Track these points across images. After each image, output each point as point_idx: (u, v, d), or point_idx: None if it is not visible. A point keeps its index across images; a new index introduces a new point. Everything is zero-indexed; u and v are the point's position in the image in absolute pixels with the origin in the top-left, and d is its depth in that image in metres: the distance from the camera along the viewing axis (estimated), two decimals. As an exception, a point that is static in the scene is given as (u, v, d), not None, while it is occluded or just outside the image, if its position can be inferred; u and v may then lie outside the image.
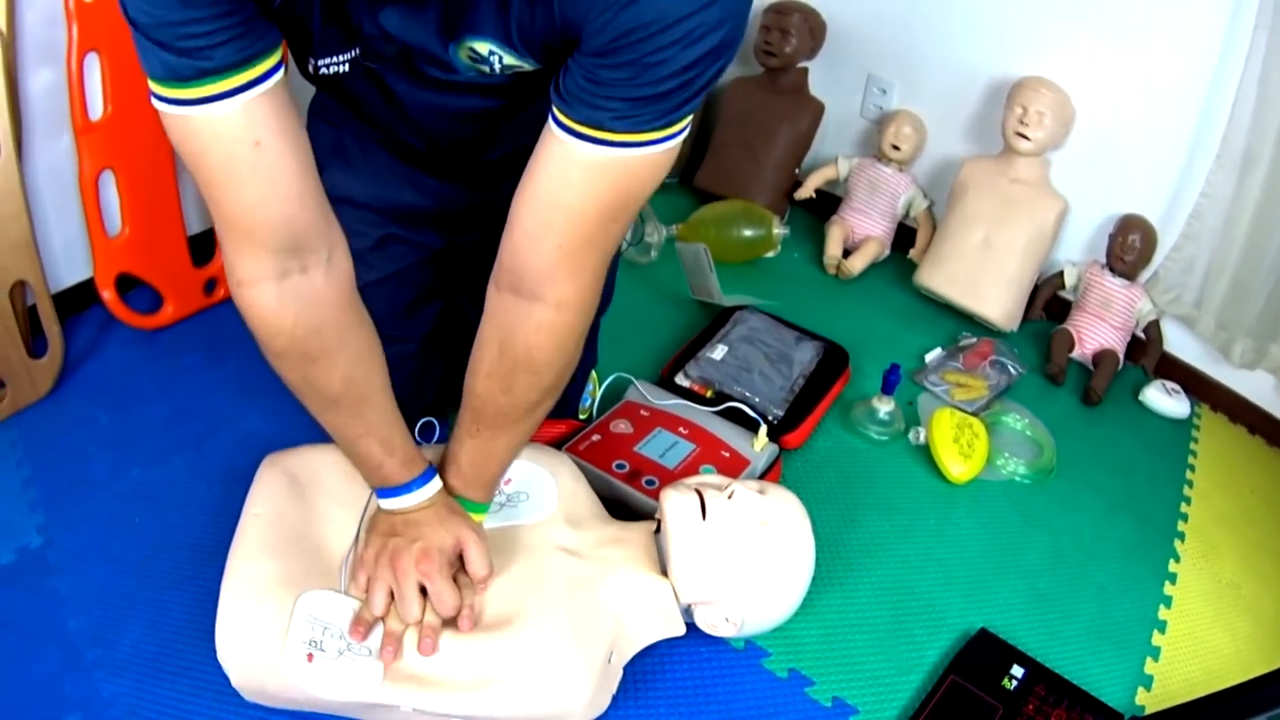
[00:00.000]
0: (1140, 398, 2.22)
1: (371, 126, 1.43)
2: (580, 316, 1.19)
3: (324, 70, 1.19)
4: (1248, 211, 2.06)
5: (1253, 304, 2.12)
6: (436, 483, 1.32)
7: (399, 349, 1.55)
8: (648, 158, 1.05)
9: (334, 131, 1.52)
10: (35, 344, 1.89)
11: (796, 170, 2.77)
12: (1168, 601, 1.70)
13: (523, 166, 1.15)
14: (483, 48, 1.12)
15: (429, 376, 1.73)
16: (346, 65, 1.21)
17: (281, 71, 1.03)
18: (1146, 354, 2.30)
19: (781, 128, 2.72)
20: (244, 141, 1.01)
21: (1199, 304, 2.23)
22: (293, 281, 1.13)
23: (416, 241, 1.59)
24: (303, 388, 1.22)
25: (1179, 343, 2.33)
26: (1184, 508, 1.93)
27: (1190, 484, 2.01)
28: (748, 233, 2.48)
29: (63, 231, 2.02)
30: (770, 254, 2.52)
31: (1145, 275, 2.31)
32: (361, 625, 1.27)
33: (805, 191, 2.72)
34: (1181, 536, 1.85)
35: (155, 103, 1.02)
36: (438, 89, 1.24)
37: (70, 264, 2.07)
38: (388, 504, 1.31)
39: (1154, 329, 2.30)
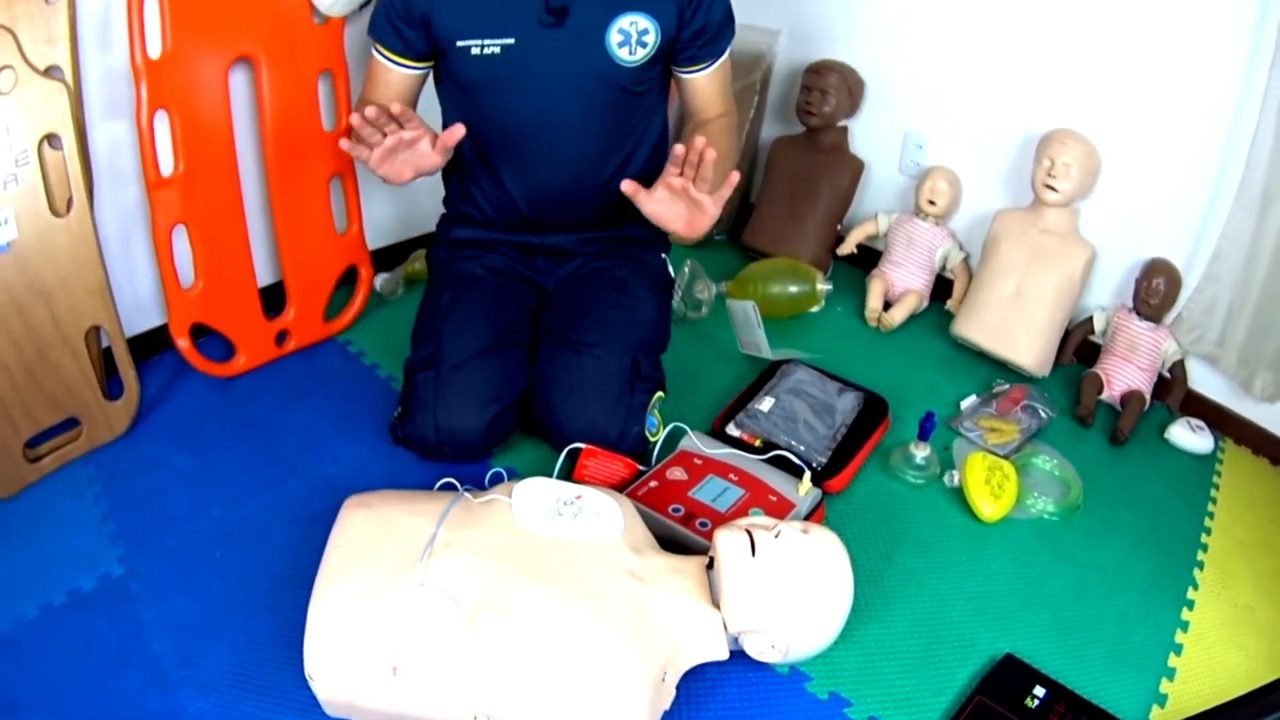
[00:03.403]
0: (1165, 435, 2.39)
1: (487, 129, 2.04)
2: (737, 122, 2.20)
3: (485, 51, 1.90)
4: (1268, 248, 2.19)
5: (1274, 339, 2.26)
6: None
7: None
8: (725, 61, 2.08)
9: (462, 270, 2.18)
10: (110, 386, 2.10)
11: (839, 226, 2.97)
12: (1184, 626, 1.87)
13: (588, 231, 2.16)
14: (627, 21, 1.91)
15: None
16: (499, 48, 1.90)
17: (420, 74, 2.02)
18: (1171, 393, 2.47)
19: (823, 186, 2.93)
20: (393, 79, 2.00)
21: (1222, 342, 2.38)
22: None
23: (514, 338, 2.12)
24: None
25: (1203, 379, 2.49)
26: (1204, 538, 2.09)
27: (1211, 516, 2.17)
28: (793, 289, 2.69)
29: (132, 279, 2.24)
30: (815, 309, 2.73)
31: (1170, 317, 2.46)
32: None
33: (847, 247, 2.93)
34: (1201, 565, 2.02)
35: (373, 51, 1.99)
36: (571, 68, 1.93)
37: (141, 311, 2.29)
38: None
39: (1179, 368, 2.46)
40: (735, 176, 1.78)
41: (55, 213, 1.89)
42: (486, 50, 1.90)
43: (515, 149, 2.03)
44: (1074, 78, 2.50)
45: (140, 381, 2.15)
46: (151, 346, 2.34)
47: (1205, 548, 2.08)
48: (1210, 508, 2.20)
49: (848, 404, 2.25)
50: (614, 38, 1.91)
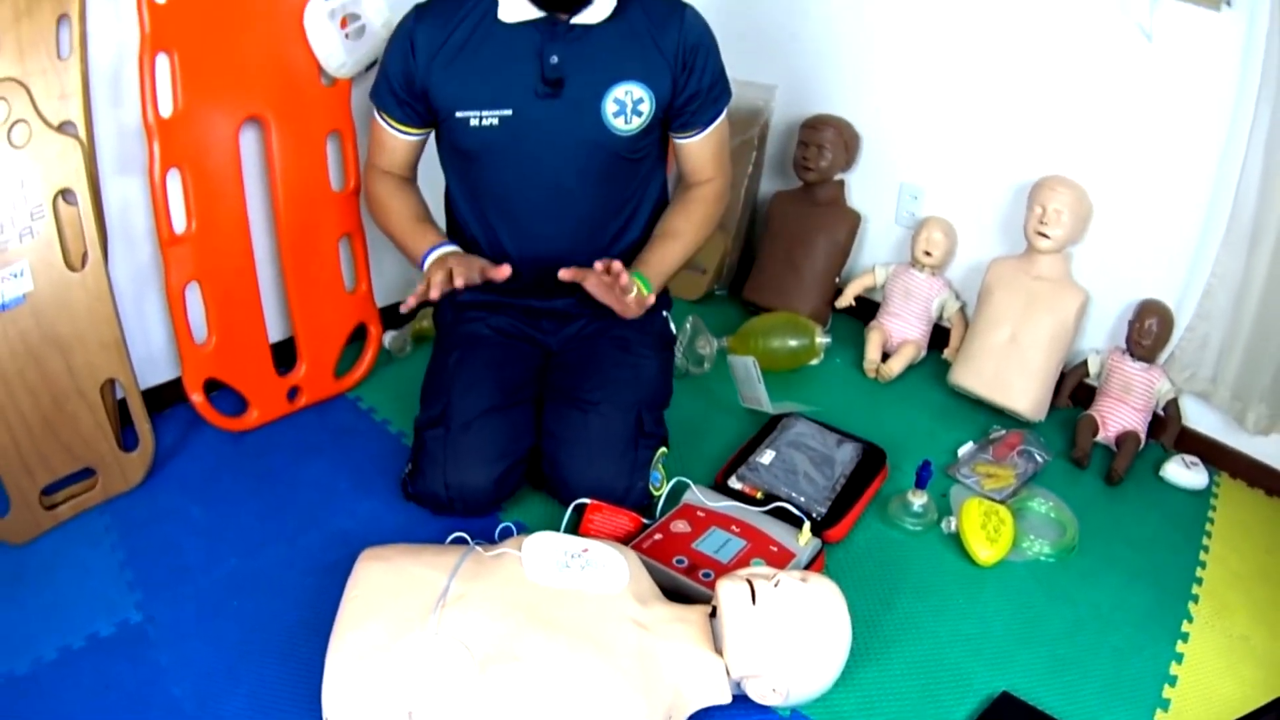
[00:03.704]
0: (1161, 473, 2.48)
1: (488, 202, 2.19)
2: (727, 184, 2.30)
3: (484, 122, 2.04)
4: (1257, 284, 2.29)
5: (1265, 371, 2.35)
6: (454, 246, 2.12)
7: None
8: (722, 123, 2.20)
9: (469, 330, 2.31)
10: (125, 437, 2.19)
11: (837, 279, 3.09)
12: (1179, 658, 1.95)
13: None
14: (621, 91, 2.03)
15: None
16: (497, 119, 2.03)
17: (422, 139, 2.20)
18: (1165, 431, 2.57)
19: (821, 240, 3.05)
20: (396, 144, 2.18)
21: (1215, 378, 2.47)
22: (392, 176, 2.24)
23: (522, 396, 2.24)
24: (380, 208, 2.23)
25: (1197, 415, 2.59)
26: (1199, 572, 2.18)
27: (1206, 549, 2.26)
28: (793, 343, 2.80)
29: (145, 334, 2.35)
30: (814, 361, 2.83)
31: (1163, 356, 2.56)
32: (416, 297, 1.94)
33: (845, 300, 3.04)
34: (1196, 599, 2.10)
35: (374, 114, 2.16)
36: (568, 139, 2.06)
37: (154, 365, 2.39)
38: (429, 259, 2.09)
39: (1173, 407, 2.56)
40: (650, 300, 2.08)
41: (70, 267, 1.99)
42: (485, 121, 2.03)
43: (515, 216, 2.15)
44: (1064, 124, 2.61)
45: (155, 434, 2.25)
46: (164, 400, 2.44)
47: (1200, 581, 2.16)
48: (1205, 541, 2.29)
49: (846, 455, 2.35)
50: (609, 107, 2.03)
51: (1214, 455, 2.56)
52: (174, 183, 2.15)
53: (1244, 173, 2.26)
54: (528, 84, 2.00)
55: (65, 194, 1.97)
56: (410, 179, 2.27)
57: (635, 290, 2.03)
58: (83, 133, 2.00)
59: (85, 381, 2.07)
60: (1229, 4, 2.24)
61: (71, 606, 1.90)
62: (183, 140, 2.12)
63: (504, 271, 1.98)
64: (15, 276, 1.91)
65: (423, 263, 2.10)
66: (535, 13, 1.97)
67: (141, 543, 2.07)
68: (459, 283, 1.92)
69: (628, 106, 2.04)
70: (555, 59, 1.99)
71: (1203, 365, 2.50)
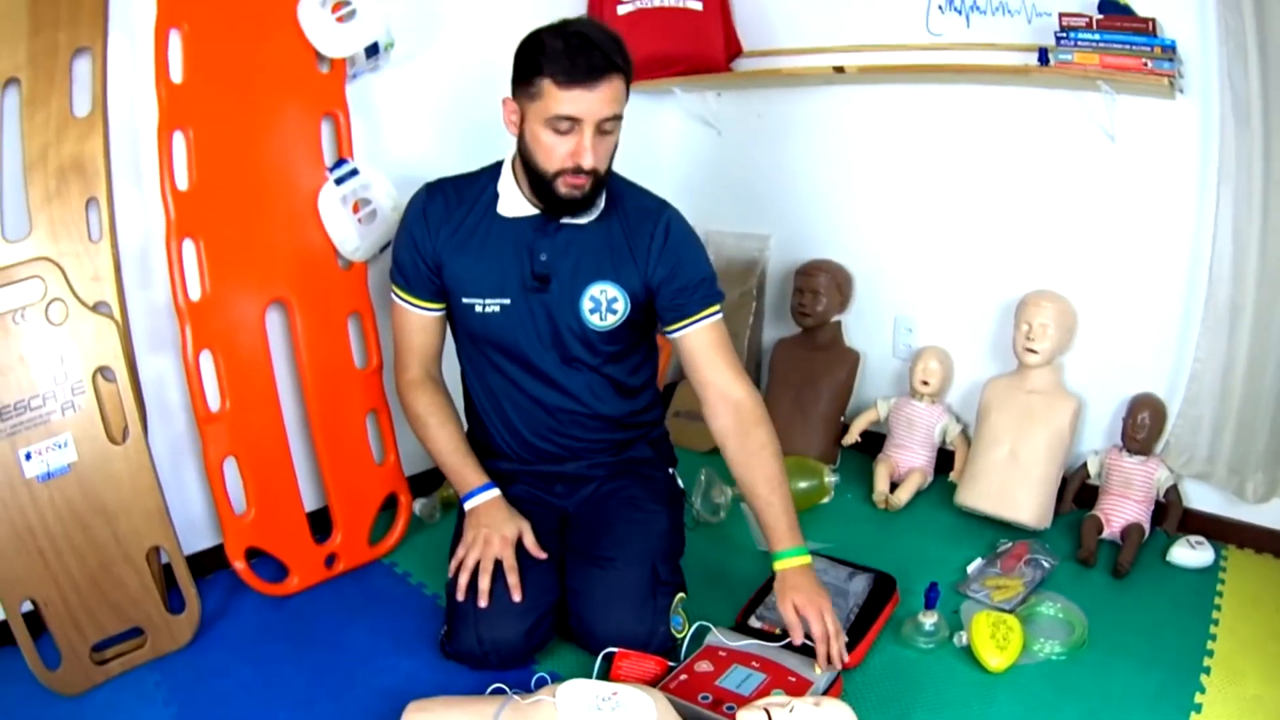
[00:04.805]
0: (1167, 558, 2.66)
1: (499, 374, 2.45)
2: (754, 390, 2.38)
3: (487, 309, 2.33)
4: (1241, 359, 2.49)
5: (1258, 441, 2.54)
6: (495, 491, 2.41)
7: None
8: (718, 320, 2.37)
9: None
10: (172, 599, 2.34)
11: (842, 418, 3.33)
12: None
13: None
14: (597, 290, 2.30)
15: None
16: (498, 307, 2.32)
17: (441, 316, 2.42)
18: (1168, 517, 2.75)
19: (824, 382, 3.31)
20: (417, 324, 2.42)
21: (1211, 458, 2.67)
22: (425, 383, 2.45)
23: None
24: (422, 426, 2.45)
25: (1197, 495, 2.78)
26: (1210, 645, 2.33)
27: (1216, 622, 2.41)
28: (803, 485, 3.02)
29: (184, 503, 2.54)
30: (826, 500, 3.06)
31: (1160, 446, 2.76)
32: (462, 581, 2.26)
33: (851, 437, 3.29)
34: (1207, 670, 2.24)
35: (393, 297, 2.40)
36: (555, 329, 2.33)
37: (195, 531, 2.59)
38: (469, 505, 2.40)
39: (1173, 492, 2.76)
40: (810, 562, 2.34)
41: (112, 440, 2.18)
42: (488, 308, 2.33)
43: (519, 393, 2.43)
44: (1042, 239, 2.89)
45: (200, 597, 2.40)
46: (207, 565, 2.64)
47: (1211, 653, 2.31)
48: (1215, 615, 2.45)
49: (859, 586, 2.55)
50: (586, 304, 2.32)
51: (1219, 530, 2.74)
52: (207, 363, 2.38)
53: (1215, 254, 2.49)
54: (521, 276, 2.30)
55: (104, 371, 2.17)
56: (440, 382, 2.52)
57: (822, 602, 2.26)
58: (117, 313, 2.22)
59: (131, 548, 2.24)
60: (1182, 91, 2.51)
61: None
62: (212, 323, 2.36)
63: (541, 554, 2.34)
64: (59, 447, 2.11)
65: (462, 501, 2.43)
66: (530, 210, 2.29)
67: (192, 698, 2.20)
68: (516, 596, 2.27)
69: (602, 304, 2.33)
70: (544, 256, 2.29)
71: (1198, 447, 2.69)
